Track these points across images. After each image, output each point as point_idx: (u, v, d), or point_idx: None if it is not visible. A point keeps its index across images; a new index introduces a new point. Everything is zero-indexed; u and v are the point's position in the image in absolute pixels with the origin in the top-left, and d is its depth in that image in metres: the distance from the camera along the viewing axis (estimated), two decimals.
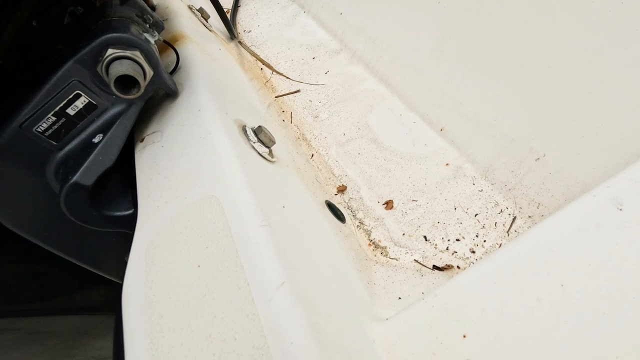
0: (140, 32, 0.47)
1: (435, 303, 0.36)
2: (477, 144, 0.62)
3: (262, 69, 1.07)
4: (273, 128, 0.74)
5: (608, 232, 0.34)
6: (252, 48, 1.14)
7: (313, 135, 0.82)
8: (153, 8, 0.76)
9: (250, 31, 1.24)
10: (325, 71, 0.94)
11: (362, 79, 0.87)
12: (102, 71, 0.44)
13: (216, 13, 0.98)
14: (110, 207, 0.51)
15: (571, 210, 0.36)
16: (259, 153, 0.51)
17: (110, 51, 0.43)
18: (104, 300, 0.81)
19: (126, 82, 0.44)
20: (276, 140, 0.57)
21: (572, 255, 0.34)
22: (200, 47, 0.68)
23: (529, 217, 0.53)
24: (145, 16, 0.52)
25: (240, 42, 1.15)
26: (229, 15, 1.28)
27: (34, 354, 0.84)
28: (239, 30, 1.25)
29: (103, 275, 0.65)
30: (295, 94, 0.93)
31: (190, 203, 0.39)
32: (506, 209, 0.55)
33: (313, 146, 0.80)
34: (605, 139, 0.47)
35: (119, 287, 0.43)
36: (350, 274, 0.46)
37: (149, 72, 0.46)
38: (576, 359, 0.31)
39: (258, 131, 0.53)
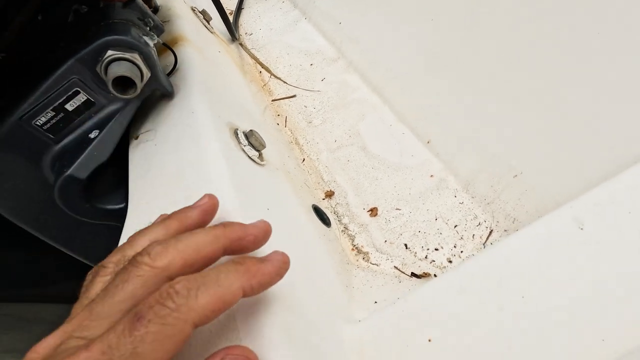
0: (140, 35, 0.49)
1: (405, 308, 0.39)
2: (460, 157, 0.64)
3: (260, 72, 1.10)
4: (267, 131, 0.76)
5: (568, 249, 0.36)
6: (253, 51, 1.17)
7: (306, 140, 0.84)
8: (156, 9, 0.78)
9: (251, 34, 1.26)
10: (321, 78, 0.96)
11: (355, 88, 0.89)
12: (101, 71, 0.46)
13: (218, 15, 1.01)
14: (102, 201, 0.53)
15: (536, 228, 0.39)
16: (248, 156, 0.53)
17: (109, 52, 0.45)
18: None
19: (124, 83, 0.46)
20: (268, 143, 0.59)
21: (534, 269, 0.36)
22: (199, 50, 0.70)
23: (505, 230, 0.55)
24: (146, 19, 0.54)
25: (241, 44, 1.18)
26: (231, 17, 1.31)
27: (21, 339, 0.85)
28: (240, 33, 1.27)
29: (91, 265, 0.67)
30: (291, 99, 0.95)
31: (176, 201, 0.41)
32: (484, 222, 0.58)
33: (305, 151, 0.82)
34: (578, 161, 0.49)
35: None
36: (330, 276, 0.48)
37: (146, 74, 0.48)
38: None
39: (249, 135, 0.55)
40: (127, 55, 0.46)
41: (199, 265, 0.26)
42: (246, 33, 1.28)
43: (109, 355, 0.20)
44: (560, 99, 0.52)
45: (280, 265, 0.29)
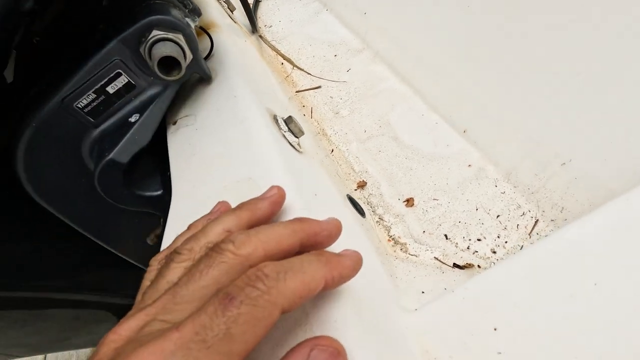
0: (182, 16, 0.48)
1: (465, 295, 0.37)
2: (500, 146, 0.62)
3: (282, 63, 1.08)
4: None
5: None
6: (273, 43, 1.15)
7: (333, 131, 0.83)
8: None
9: (271, 26, 1.25)
10: (347, 69, 0.95)
11: (383, 78, 0.87)
12: (144, 52, 0.45)
13: (241, 6, 0.99)
14: (141, 187, 0.52)
15: (603, 212, 0.37)
16: (289, 142, 0.52)
17: (154, 32, 0.44)
18: (108, 283, 0.81)
19: (168, 64, 0.45)
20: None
21: (606, 254, 0.34)
22: (231, 37, 0.69)
23: (552, 220, 0.53)
24: (185, 1, 0.52)
25: (260, 36, 1.16)
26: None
27: (27, 333, 0.84)
28: (259, 25, 1.26)
29: (119, 254, 0.66)
30: (316, 90, 0.94)
31: (227, 185, 0.40)
32: (528, 212, 0.56)
33: (333, 141, 0.81)
34: (634, 145, 0.47)
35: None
36: (376, 265, 0.47)
37: (189, 56, 0.47)
38: (605, 356, 0.31)
39: (288, 121, 0.54)
40: (171, 35, 0.44)
41: (278, 257, 0.25)
42: (265, 25, 1.27)
43: (202, 336, 0.19)
44: (615, 76, 0.50)
45: (357, 261, 0.29)
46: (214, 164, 0.43)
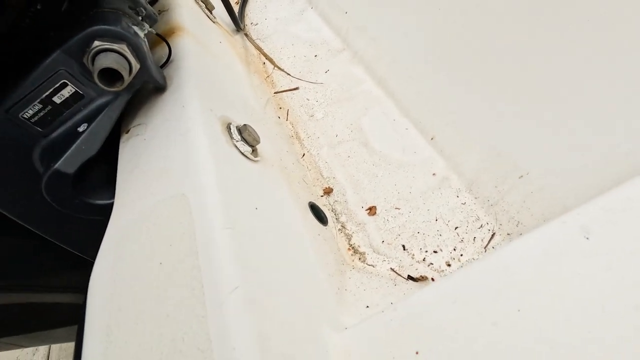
0: (130, 25, 0.48)
1: (393, 317, 0.37)
2: (465, 155, 0.61)
3: (264, 63, 1.07)
4: (267, 126, 0.75)
5: (571, 260, 0.34)
6: (257, 41, 1.14)
7: (307, 134, 0.82)
8: None
9: (257, 24, 1.24)
10: (325, 70, 0.93)
11: (360, 80, 0.86)
12: (88, 63, 0.44)
13: (222, 4, 0.98)
14: (93, 196, 0.52)
15: (538, 235, 0.36)
16: (240, 152, 0.51)
17: (96, 43, 0.44)
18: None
19: (111, 75, 0.45)
20: (266, 138, 0.57)
21: (533, 281, 0.34)
22: (198, 41, 0.69)
23: (508, 234, 0.52)
24: (137, 8, 0.52)
25: (246, 35, 1.15)
26: (238, 7, 1.28)
27: None
28: (246, 23, 1.25)
29: (89, 259, 0.66)
30: (293, 91, 0.93)
31: (161, 200, 0.40)
32: (486, 224, 0.55)
33: (305, 145, 0.80)
34: (591, 162, 0.46)
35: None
36: (319, 280, 0.46)
37: (135, 66, 0.46)
38: None
39: (242, 130, 0.54)
40: (114, 46, 0.44)
41: None
42: (252, 23, 1.25)
43: None
44: (575, 94, 0.48)
45: None
46: (153, 177, 0.43)
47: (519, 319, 0.32)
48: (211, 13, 0.96)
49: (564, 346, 0.30)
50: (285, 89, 0.95)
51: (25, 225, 0.55)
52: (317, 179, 0.73)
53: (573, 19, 0.50)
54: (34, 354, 1.92)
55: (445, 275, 0.52)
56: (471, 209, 0.57)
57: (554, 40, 0.52)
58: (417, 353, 0.34)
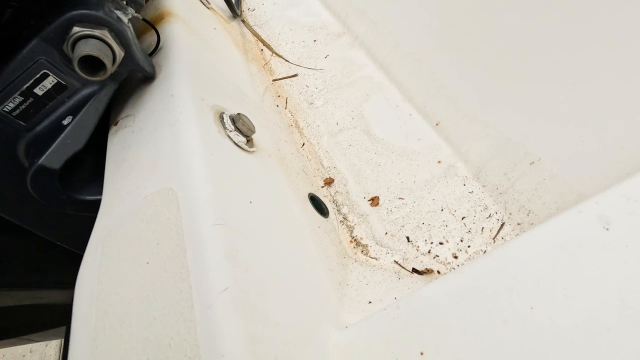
0: (112, 9, 0.45)
1: (396, 315, 0.34)
2: (472, 141, 0.58)
3: (262, 50, 1.04)
4: (265, 115, 0.72)
5: (590, 253, 0.31)
6: (255, 27, 1.10)
7: (306, 122, 0.79)
8: None
9: (254, 9, 1.20)
10: (325, 55, 0.90)
11: (361, 65, 0.82)
12: (68, 50, 0.42)
13: None
14: (82, 191, 0.50)
15: (554, 226, 0.33)
16: (234, 142, 0.49)
17: (75, 29, 0.41)
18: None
19: (94, 63, 0.42)
20: (264, 127, 0.54)
21: (548, 276, 0.31)
22: (189, 27, 0.65)
23: (518, 224, 0.49)
24: None
25: (243, 21, 1.11)
26: None
27: None
28: (243, 8, 1.21)
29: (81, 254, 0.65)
30: (292, 78, 0.90)
31: (149, 194, 0.37)
32: (495, 214, 0.52)
33: (305, 134, 0.77)
34: (607, 147, 0.43)
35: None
36: (319, 275, 0.44)
37: (119, 53, 0.44)
38: None
39: (236, 119, 0.51)
40: (95, 32, 0.41)
41: None
42: (249, 9, 1.21)
43: None
44: (590, 74, 0.44)
45: None
46: (141, 171, 0.40)
47: (532, 317, 0.30)
48: None
49: (581, 347, 0.28)
50: (284, 76, 0.91)
51: (16, 222, 0.54)
52: (318, 169, 0.70)
53: None
54: (46, 345, 1.96)
55: (451, 267, 0.50)
56: (479, 198, 0.54)
57: (570, 17, 0.49)
58: (422, 354, 0.32)
